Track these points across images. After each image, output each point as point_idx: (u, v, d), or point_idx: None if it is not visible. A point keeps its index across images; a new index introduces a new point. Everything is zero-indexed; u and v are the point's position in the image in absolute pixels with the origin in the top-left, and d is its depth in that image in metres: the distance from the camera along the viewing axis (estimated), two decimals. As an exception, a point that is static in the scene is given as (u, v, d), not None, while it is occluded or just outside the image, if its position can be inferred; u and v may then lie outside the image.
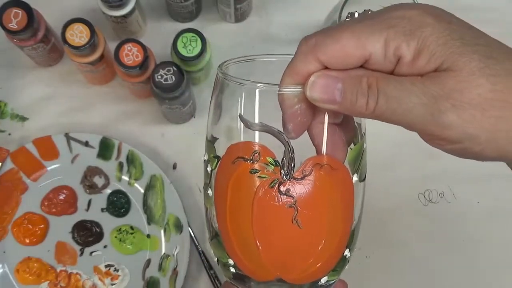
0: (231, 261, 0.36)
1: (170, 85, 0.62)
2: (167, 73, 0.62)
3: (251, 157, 0.33)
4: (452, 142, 0.28)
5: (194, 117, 0.73)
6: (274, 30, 0.75)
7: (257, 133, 0.33)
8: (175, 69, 0.62)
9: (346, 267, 0.37)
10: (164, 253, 0.68)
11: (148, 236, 0.69)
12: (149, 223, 0.69)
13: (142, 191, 0.69)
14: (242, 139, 0.33)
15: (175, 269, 0.66)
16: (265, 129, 0.32)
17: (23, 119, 0.72)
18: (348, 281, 0.69)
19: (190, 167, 0.71)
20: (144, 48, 0.63)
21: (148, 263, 0.68)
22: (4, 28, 0.62)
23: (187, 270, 0.66)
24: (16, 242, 0.68)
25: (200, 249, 0.69)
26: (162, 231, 0.68)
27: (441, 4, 0.30)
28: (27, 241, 0.68)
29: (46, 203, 0.69)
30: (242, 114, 0.33)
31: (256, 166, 0.33)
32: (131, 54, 0.63)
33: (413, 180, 0.72)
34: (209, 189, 0.36)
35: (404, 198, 0.71)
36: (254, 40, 0.75)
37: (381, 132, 0.74)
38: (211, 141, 0.36)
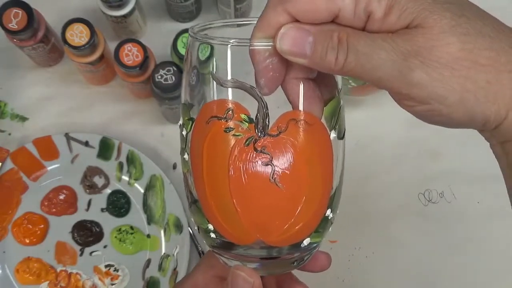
0: (211, 226, 0.34)
1: (170, 85, 0.62)
2: (167, 73, 0.62)
3: (224, 115, 0.32)
4: (420, 102, 0.27)
5: (194, 117, 0.73)
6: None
7: (230, 91, 0.32)
8: (175, 69, 0.62)
9: (330, 229, 0.36)
10: (164, 253, 0.68)
11: (148, 236, 0.69)
12: (149, 223, 0.69)
13: (142, 191, 0.69)
14: (215, 99, 0.32)
15: (175, 269, 0.66)
16: (237, 85, 0.31)
17: (23, 119, 0.72)
18: (348, 281, 0.69)
19: (190, 167, 0.71)
20: (144, 48, 0.63)
21: (148, 263, 0.68)
22: (4, 28, 0.62)
23: (187, 270, 0.66)
24: (16, 242, 0.67)
25: (200, 249, 0.69)
26: (162, 231, 0.68)
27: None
28: (27, 241, 0.68)
29: (46, 203, 0.69)
30: (214, 72, 0.32)
31: (231, 124, 0.32)
32: (131, 54, 0.63)
33: (413, 180, 0.72)
34: (185, 153, 0.35)
35: (404, 198, 0.71)
36: (254, 40, 0.75)
37: (381, 132, 0.74)
38: (185, 104, 0.35)
